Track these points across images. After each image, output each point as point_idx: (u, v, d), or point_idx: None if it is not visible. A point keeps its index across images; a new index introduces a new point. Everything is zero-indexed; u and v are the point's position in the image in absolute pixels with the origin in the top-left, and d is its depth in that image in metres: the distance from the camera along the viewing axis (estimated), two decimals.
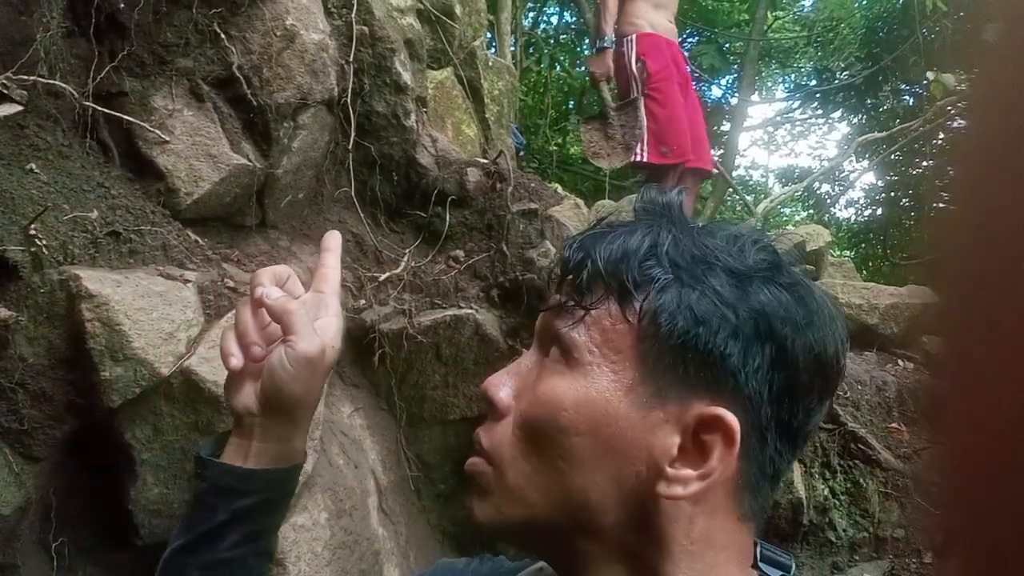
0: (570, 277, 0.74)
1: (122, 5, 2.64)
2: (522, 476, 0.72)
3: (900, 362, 4.48)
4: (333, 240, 1.03)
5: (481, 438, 0.77)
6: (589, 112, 5.62)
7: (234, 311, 2.39)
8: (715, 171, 5.15)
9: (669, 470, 0.68)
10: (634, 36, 4.70)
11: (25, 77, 2.39)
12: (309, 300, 0.96)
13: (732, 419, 0.68)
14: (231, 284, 2.55)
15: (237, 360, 0.88)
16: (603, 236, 0.74)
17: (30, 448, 2.10)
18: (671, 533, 0.70)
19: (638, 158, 4.60)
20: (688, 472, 0.69)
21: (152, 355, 2.11)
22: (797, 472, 3.39)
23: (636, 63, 4.67)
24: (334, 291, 0.99)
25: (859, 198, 14.15)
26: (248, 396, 0.89)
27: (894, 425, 3.89)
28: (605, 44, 4.74)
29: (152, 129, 2.67)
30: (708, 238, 0.74)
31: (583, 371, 0.71)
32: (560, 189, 5.21)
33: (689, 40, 14.96)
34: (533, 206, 3.65)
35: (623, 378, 0.70)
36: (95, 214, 2.33)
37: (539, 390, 0.73)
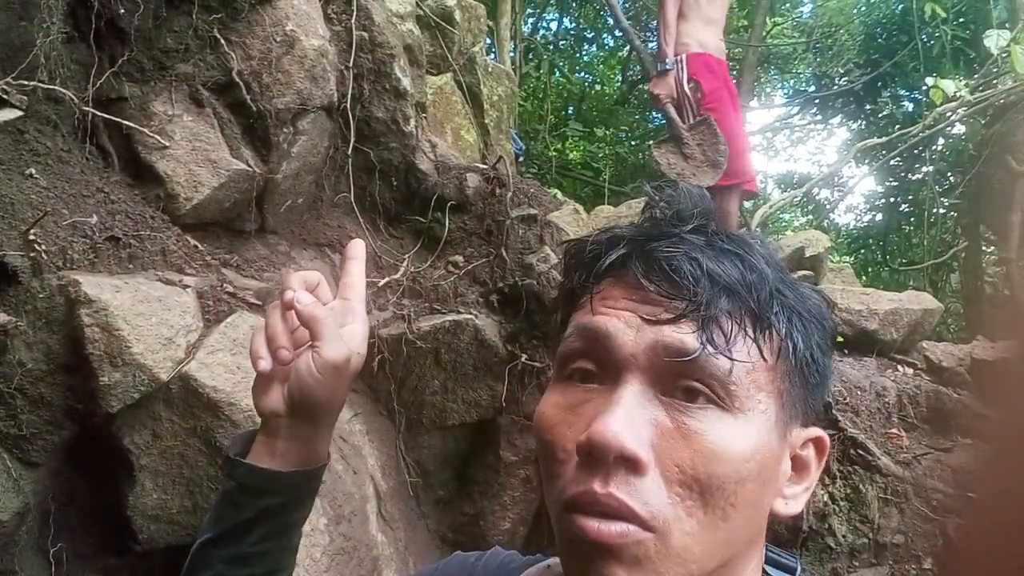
0: (699, 312, 0.68)
1: (122, 11, 2.65)
2: (689, 536, 0.65)
3: (899, 368, 4.48)
4: (358, 249, 1.02)
5: (626, 501, 0.64)
6: (659, 136, 5.46)
7: (232, 317, 2.40)
8: (755, 191, 4.87)
9: (786, 490, 0.74)
10: (684, 56, 4.57)
11: (25, 82, 2.39)
12: (337, 307, 0.96)
13: (827, 437, 0.76)
14: (230, 289, 2.55)
15: (266, 363, 0.87)
16: (691, 259, 0.69)
17: (28, 453, 2.09)
18: (759, 539, 0.74)
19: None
20: (796, 489, 0.75)
21: (151, 360, 2.11)
22: None
23: (688, 84, 4.54)
24: (360, 298, 0.98)
25: (858, 204, 14.16)
26: (275, 398, 0.89)
27: (893, 431, 3.88)
28: (667, 66, 4.59)
29: (152, 134, 2.67)
30: (769, 254, 0.75)
31: (744, 416, 0.68)
32: (559, 195, 5.21)
33: None
34: (532, 211, 3.65)
35: (770, 416, 0.70)
36: (94, 219, 2.33)
37: (711, 442, 0.66)
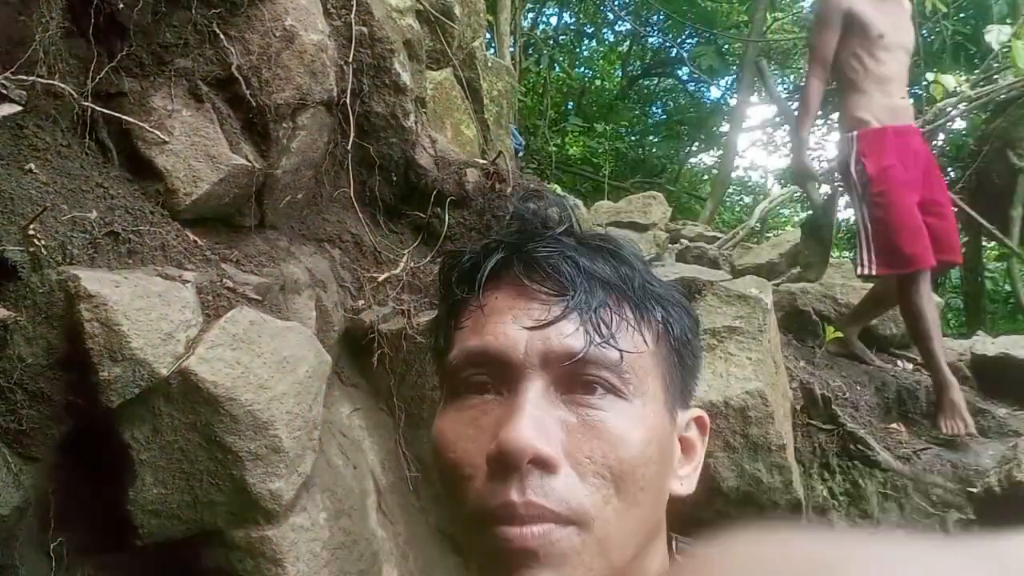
0: (581, 307, 0.71)
1: (121, 5, 2.64)
2: (608, 524, 0.67)
3: (899, 363, 4.49)
4: None
5: (545, 505, 0.65)
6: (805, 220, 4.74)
7: (232, 312, 2.40)
8: (960, 262, 4.21)
9: (679, 471, 0.78)
10: (855, 134, 4.00)
11: (24, 77, 2.39)
12: None
13: (706, 416, 0.82)
14: (230, 284, 2.55)
15: None
16: (567, 258, 0.72)
17: (28, 448, 2.09)
18: (663, 523, 0.77)
19: (864, 271, 3.98)
20: (687, 468, 0.79)
21: (151, 355, 2.11)
22: (795, 473, 3.38)
23: (856, 165, 4.00)
24: None
25: None
26: None
27: (894, 425, 3.89)
28: (806, 146, 4.24)
29: (151, 129, 2.67)
30: (635, 251, 0.79)
31: (639, 400, 0.71)
32: (559, 189, 5.21)
33: (688, 41, 14.98)
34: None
35: (659, 399, 0.74)
36: (94, 214, 2.33)
37: (615, 428, 0.68)
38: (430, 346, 0.83)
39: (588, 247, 0.75)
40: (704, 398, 2.97)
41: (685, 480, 0.78)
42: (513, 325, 0.71)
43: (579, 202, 4.21)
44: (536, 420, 0.66)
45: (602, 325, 0.70)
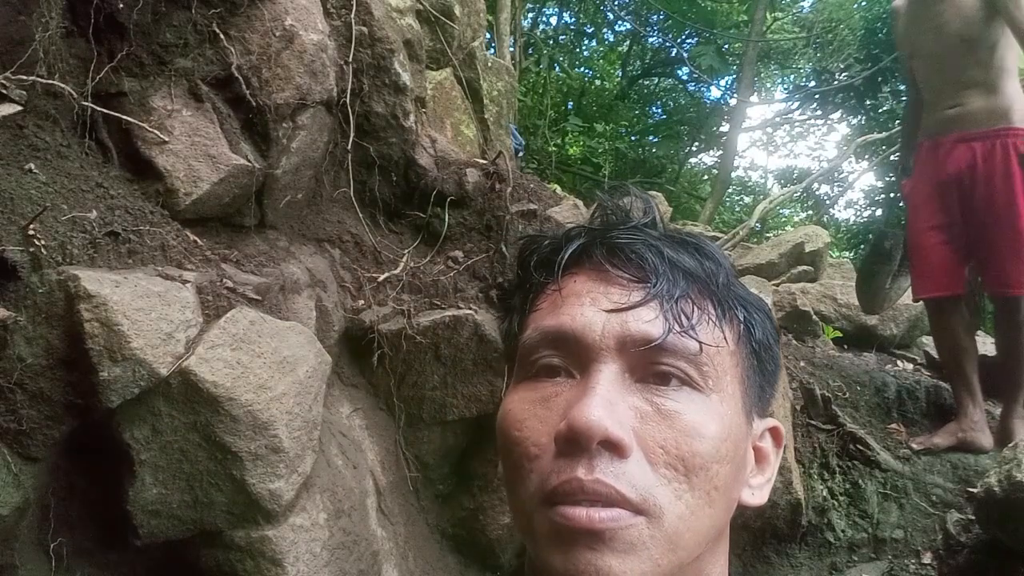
0: (663, 295, 0.69)
1: (121, 5, 2.64)
2: (680, 520, 0.64)
3: (899, 363, 4.49)
4: None
5: (615, 485, 0.63)
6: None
7: (232, 312, 2.40)
8: (1014, 292, 3.40)
9: (751, 480, 0.76)
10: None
11: (24, 77, 2.38)
12: None
13: (782, 427, 0.79)
14: (230, 284, 2.55)
15: None
16: (651, 246, 0.71)
17: (28, 448, 2.09)
18: (727, 530, 0.75)
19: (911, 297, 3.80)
20: (760, 479, 0.77)
21: (151, 355, 2.11)
22: (795, 472, 3.38)
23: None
24: None
25: (858, 199, 14.17)
26: None
27: (893, 426, 3.89)
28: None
29: (151, 129, 2.67)
30: (718, 250, 0.77)
31: (717, 396, 0.69)
32: (559, 190, 5.21)
33: (688, 41, 14.99)
34: (532, 207, 3.65)
35: (737, 400, 0.71)
36: (94, 214, 2.33)
37: (691, 420, 0.66)
38: (502, 332, 0.82)
39: (672, 239, 0.74)
40: None
41: (757, 491, 0.76)
42: (591, 307, 0.69)
43: (579, 202, 4.16)
44: (608, 402, 0.64)
45: (683, 315, 0.68)
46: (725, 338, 0.71)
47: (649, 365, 0.67)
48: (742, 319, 0.74)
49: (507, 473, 0.72)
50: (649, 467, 0.64)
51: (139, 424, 2.18)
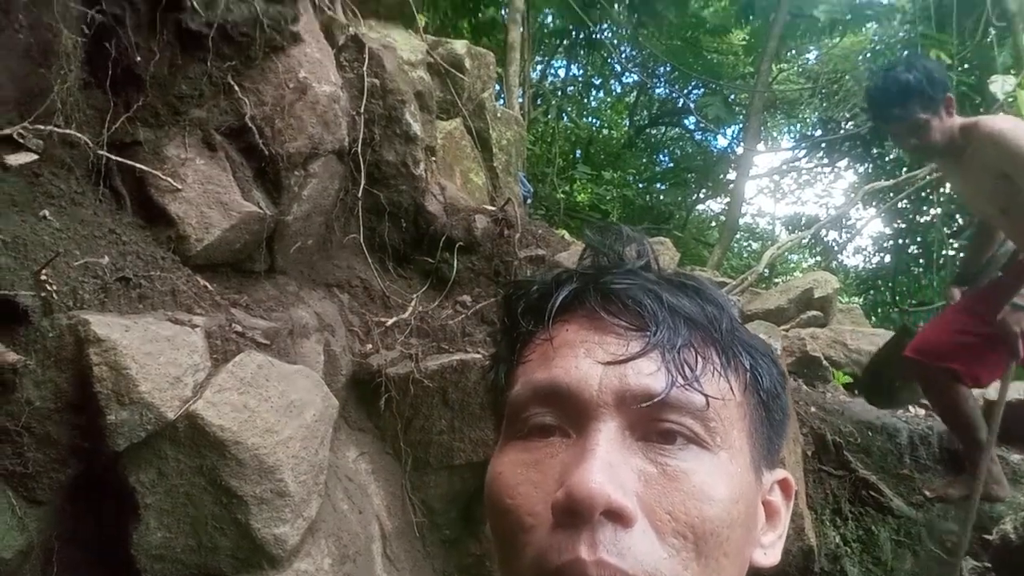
0: (663, 345, 0.63)
1: (139, 58, 2.71)
2: None
3: (911, 408, 4.45)
4: None
5: (620, 567, 0.57)
6: None
7: (240, 356, 2.41)
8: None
9: (763, 538, 0.70)
10: None
11: (41, 127, 2.45)
12: None
13: (792, 479, 0.73)
14: (239, 329, 2.57)
15: None
16: (648, 291, 0.66)
17: (34, 492, 2.10)
18: None
19: None
20: (771, 536, 0.71)
21: (158, 399, 2.12)
22: (808, 519, 3.33)
23: None
24: None
25: (867, 245, 14.17)
26: None
27: (906, 471, 3.84)
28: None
29: (164, 177, 2.72)
30: (719, 291, 0.72)
31: (726, 453, 0.63)
32: (567, 235, 5.25)
33: (695, 91, 15.19)
34: (540, 252, 3.68)
35: (746, 455, 0.66)
36: (106, 260, 2.37)
37: (700, 482, 0.61)
38: (488, 384, 0.75)
39: (671, 283, 0.68)
40: None
41: (769, 550, 0.70)
42: (586, 359, 0.64)
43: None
44: (610, 466, 0.59)
45: (686, 366, 0.63)
46: (731, 389, 0.66)
47: (652, 422, 0.62)
48: (748, 367, 0.68)
49: (498, 542, 0.65)
50: (656, 537, 0.59)
51: (145, 468, 2.18)
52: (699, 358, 0.64)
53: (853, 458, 3.70)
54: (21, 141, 2.43)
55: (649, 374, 0.62)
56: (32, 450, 2.07)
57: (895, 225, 11.17)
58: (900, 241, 11.36)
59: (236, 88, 2.92)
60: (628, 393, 0.62)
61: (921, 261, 11.06)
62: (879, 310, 12.45)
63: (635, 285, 0.66)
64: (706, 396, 0.63)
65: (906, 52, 10.32)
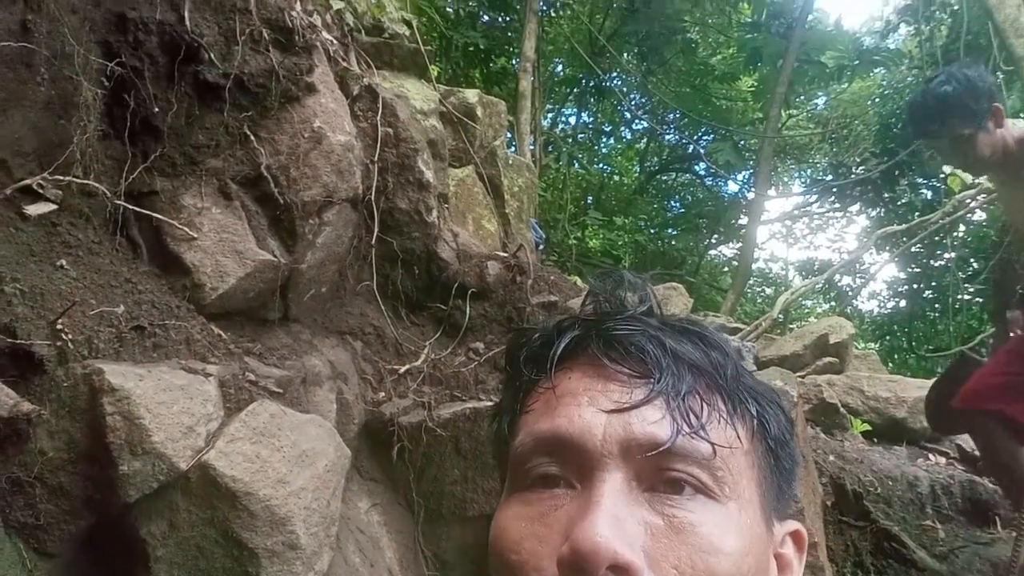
0: (668, 392, 0.63)
1: (156, 109, 2.76)
2: None
3: (931, 457, 4.37)
4: None
5: None
6: None
7: (253, 405, 2.40)
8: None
9: None
10: None
11: (61, 177, 2.48)
12: None
13: (804, 530, 0.71)
14: (252, 377, 2.56)
15: None
16: (652, 337, 0.65)
17: (44, 544, 2.07)
18: None
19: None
20: None
21: (171, 449, 2.11)
22: (828, 572, 3.25)
23: None
24: None
25: (881, 290, 14.11)
26: None
27: (928, 522, 3.75)
28: None
29: (181, 226, 2.74)
30: (724, 337, 0.71)
31: (735, 504, 0.62)
32: (579, 282, 5.25)
33: (705, 137, 15.31)
34: (553, 298, 3.67)
35: (756, 505, 0.65)
36: (121, 309, 2.38)
37: (708, 535, 0.59)
38: (491, 434, 0.74)
39: (674, 328, 0.67)
40: None
41: None
42: (589, 408, 0.63)
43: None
44: (615, 519, 0.57)
45: (691, 414, 0.62)
46: (739, 437, 0.64)
47: (658, 472, 0.61)
48: (755, 414, 0.67)
49: None
50: None
51: (156, 519, 2.16)
52: (704, 405, 0.63)
53: (874, 508, 3.62)
54: (40, 191, 2.46)
55: (654, 422, 0.61)
56: (44, 501, 2.05)
57: (909, 269, 11.13)
58: (915, 286, 11.31)
59: (252, 138, 2.96)
60: (633, 442, 0.61)
61: (937, 306, 10.99)
62: (895, 356, 12.35)
63: (638, 331, 0.65)
64: (712, 444, 0.61)
65: (948, 64, 10.35)
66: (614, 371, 0.64)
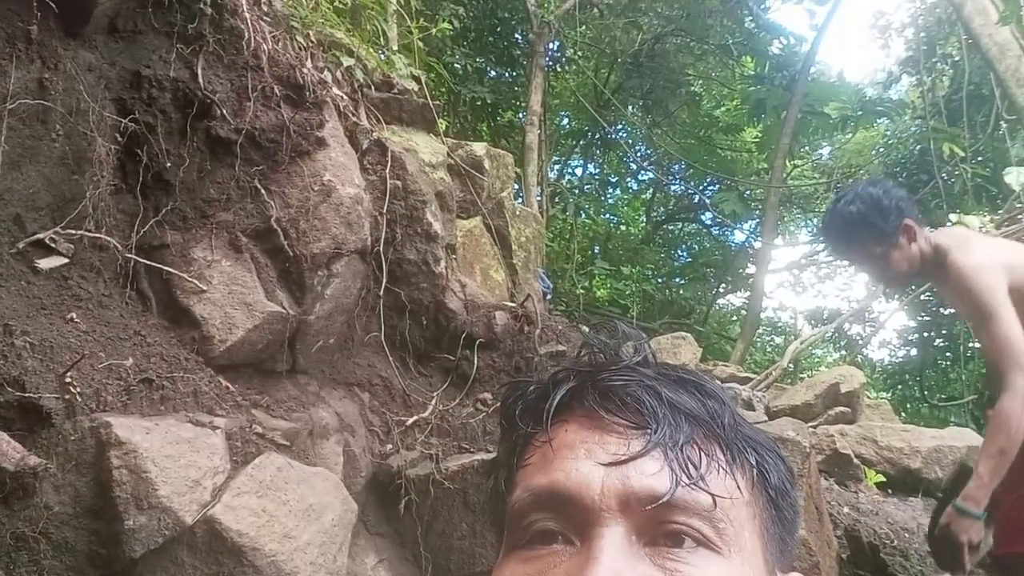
0: (665, 442, 0.62)
1: (169, 164, 2.80)
2: None
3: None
4: None
5: None
6: None
7: (260, 458, 2.38)
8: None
9: None
10: None
11: (73, 231, 2.51)
12: None
13: None
14: (259, 430, 2.54)
15: None
16: (648, 387, 0.64)
17: None
18: None
19: None
20: None
21: (177, 503, 2.09)
22: None
23: None
24: None
25: (891, 339, 14.01)
26: None
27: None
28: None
29: (191, 279, 2.76)
30: (720, 386, 0.71)
31: (738, 558, 0.61)
32: (587, 331, 5.24)
33: (710, 187, 15.42)
34: (561, 348, 3.66)
35: (757, 558, 0.63)
36: (130, 361, 2.38)
37: None
38: (489, 490, 0.73)
39: (669, 378, 0.67)
40: None
41: None
42: (586, 461, 0.62)
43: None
44: (616, 574, 0.56)
45: (690, 464, 0.61)
46: (739, 487, 0.63)
47: (658, 525, 0.59)
48: (754, 463, 0.66)
49: None
50: None
51: (160, 575, 2.13)
52: (703, 455, 0.62)
53: (891, 562, 3.54)
54: (52, 245, 2.49)
55: (652, 474, 0.60)
56: (48, 557, 2.02)
57: (919, 318, 11.07)
58: (926, 334, 11.22)
59: (262, 191, 3.00)
60: (632, 496, 0.59)
61: (948, 354, 10.89)
62: (908, 405, 12.21)
63: (633, 381, 0.65)
64: (712, 495, 0.60)
65: (918, 147, 10.45)
66: (611, 422, 0.63)
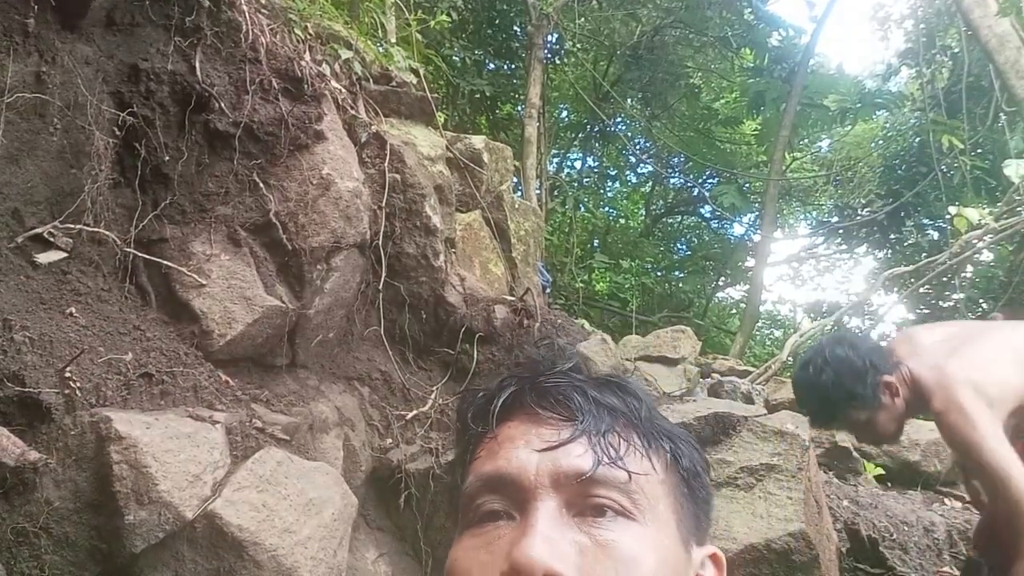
0: (590, 431, 0.75)
1: (167, 158, 2.79)
2: None
3: (947, 501, 4.29)
4: None
5: None
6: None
7: (260, 453, 2.38)
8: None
9: None
10: None
11: (72, 226, 2.50)
12: None
13: (721, 553, 0.82)
14: (259, 424, 2.54)
15: None
16: (576, 387, 0.77)
17: None
18: None
19: None
20: None
21: (177, 498, 2.09)
22: None
23: None
24: None
25: (891, 332, 14.00)
26: None
27: (946, 569, 3.67)
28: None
29: (189, 273, 2.75)
30: (641, 388, 0.84)
31: (652, 525, 0.72)
32: (587, 325, 5.23)
33: (709, 181, 15.40)
34: (560, 341, 3.66)
35: (671, 526, 0.75)
36: (129, 356, 2.37)
37: (628, 548, 0.69)
38: (447, 485, 0.90)
39: (596, 380, 0.81)
40: (744, 540, 2.84)
41: None
42: (525, 448, 0.74)
43: (607, 337, 4.14)
44: (549, 539, 0.67)
45: (610, 448, 0.73)
46: (653, 467, 0.76)
47: (584, 499, 0.71)
48: (668, 448, 0.79)
49: None
50: None
51: (161, 570, 2.13)
52: (622, 441, 0.75)
53: (890, 555, 3.55)
54: (51, 240, 2.48)
55: (578, 456, 0.72)
56: (49, 552, 2.02)
57: (918, 311, 11.06)
58: None
59: (261, 185, 2.99)
60: (561, 473, 0.72)
61: None
62: None
63: (565, 383, 0.78)
64: (628, 472, 0.72)
65: (917, 139, 10.39)
66: (546, 417, 0.76)
